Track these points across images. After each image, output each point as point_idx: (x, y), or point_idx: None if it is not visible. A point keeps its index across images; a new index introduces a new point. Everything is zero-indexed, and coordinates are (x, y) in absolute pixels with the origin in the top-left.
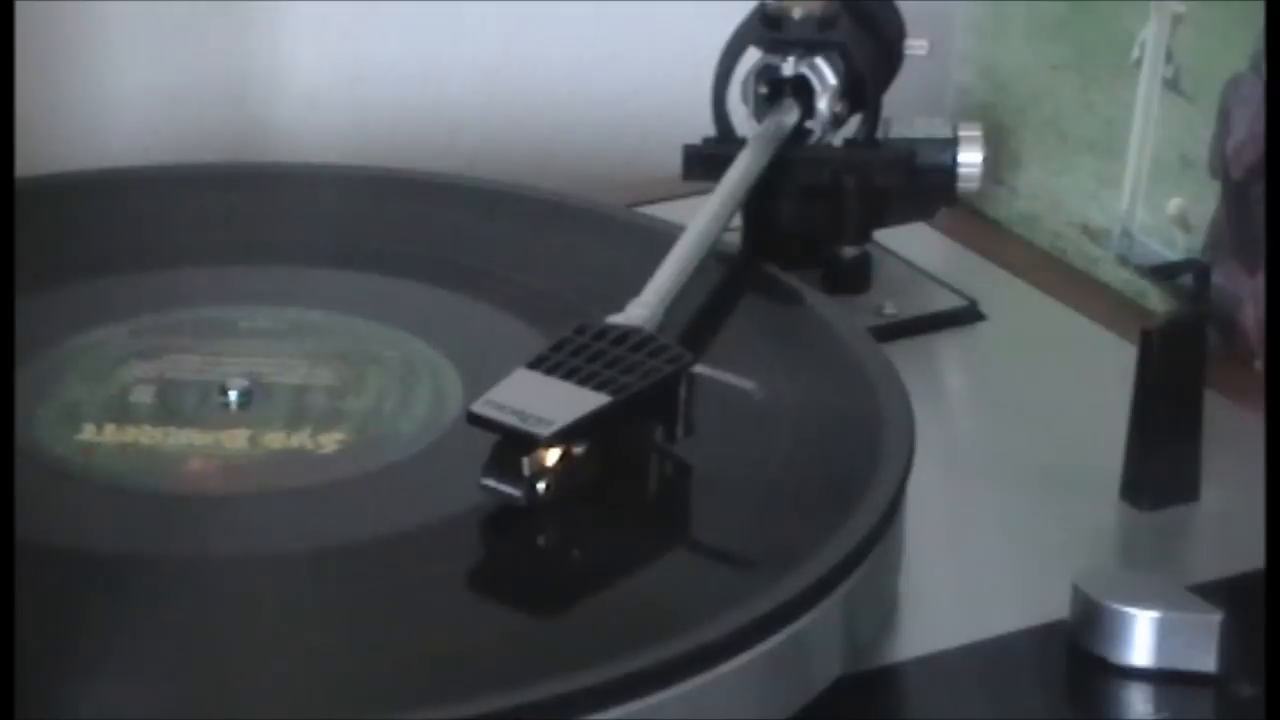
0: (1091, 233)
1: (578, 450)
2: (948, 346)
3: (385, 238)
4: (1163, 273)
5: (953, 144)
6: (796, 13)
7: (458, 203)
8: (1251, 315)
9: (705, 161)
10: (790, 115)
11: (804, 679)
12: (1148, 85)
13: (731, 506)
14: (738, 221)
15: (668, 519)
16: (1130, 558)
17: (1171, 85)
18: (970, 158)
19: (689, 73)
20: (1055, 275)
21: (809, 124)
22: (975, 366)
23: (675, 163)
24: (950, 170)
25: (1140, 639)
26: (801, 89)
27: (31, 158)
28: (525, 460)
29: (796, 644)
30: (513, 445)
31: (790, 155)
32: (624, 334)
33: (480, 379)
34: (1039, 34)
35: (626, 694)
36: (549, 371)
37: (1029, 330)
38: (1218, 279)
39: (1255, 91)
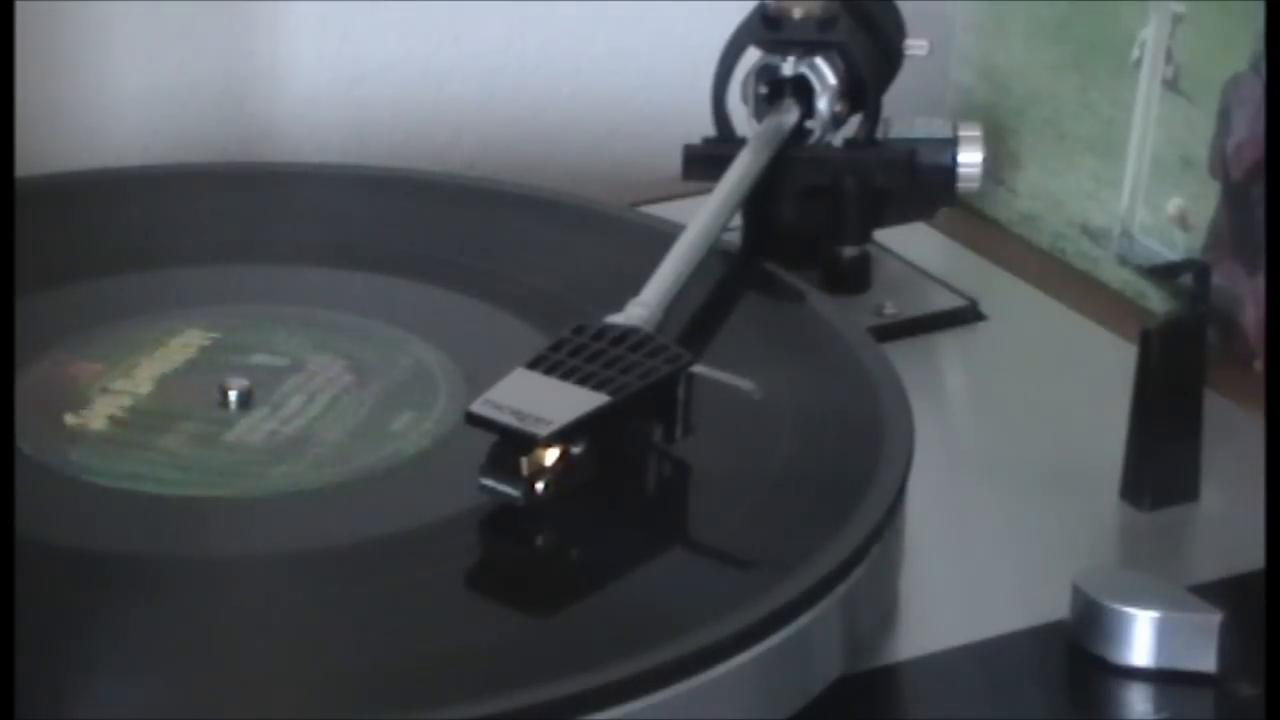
0: (1091, 233)
1: (576, 450)
2: (948, 346)
3: (385, 238)
4: (1163, 273)
5: (953, 144)
6: (796, 13)
7: (458, 203)
8: (1251, 315)
9: (705, 161)
10: (790, 115)
11: (804, 679)
12: (1148, 85)
13: (731, 507)
14: (738, 221)
15: (667, 519)
16: (1130, 558)
17: (1171, 85)
18: (970, 158)
19: (689, 73)
20: (1055, 275)
21: (809, 124)
22: (975, 366)
23: (675, 163)
24: (950, 170)
25: (1140, 639)
26: (801, 89)
27: (31, 158)
28: (524, 460)
29: (796, 644)
30: (511, 445)
31: (790, 155)
32: (623, 334)
33: (480, 379)
34: (1039, 34)
35: (626, 694)
36: (548, 371)
37: (1029, 330)
38: (1218, 279)
39: (1255, 91)
